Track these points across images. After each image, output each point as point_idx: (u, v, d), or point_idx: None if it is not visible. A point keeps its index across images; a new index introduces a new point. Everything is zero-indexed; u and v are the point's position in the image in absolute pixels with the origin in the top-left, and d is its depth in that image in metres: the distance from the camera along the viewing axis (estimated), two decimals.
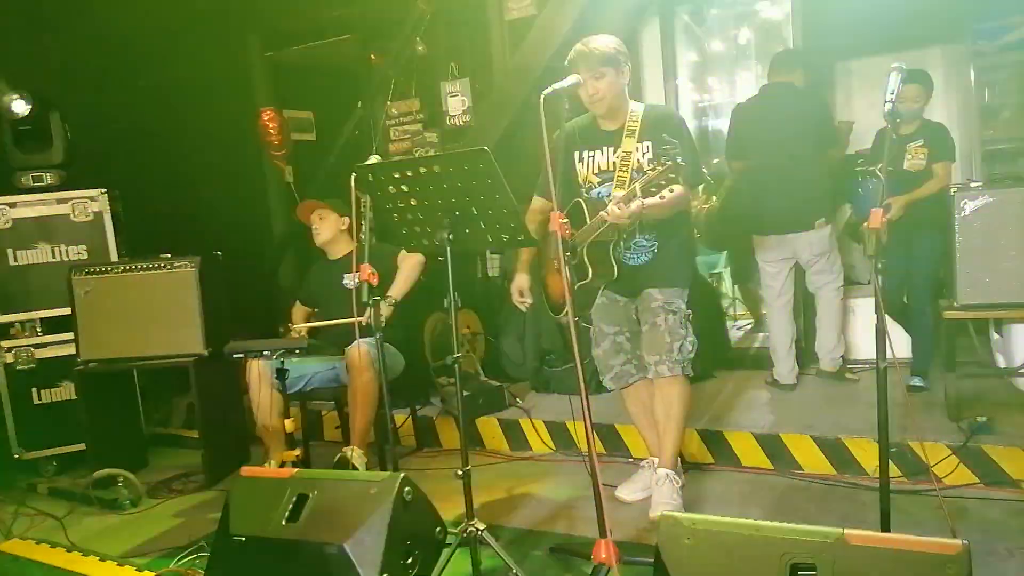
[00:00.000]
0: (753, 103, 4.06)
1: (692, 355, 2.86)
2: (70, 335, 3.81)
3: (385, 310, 3.31)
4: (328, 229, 3.69)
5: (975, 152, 5.46)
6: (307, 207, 3.75)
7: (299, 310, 3.89)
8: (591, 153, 2.84)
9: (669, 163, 2.37)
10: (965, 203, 3.11)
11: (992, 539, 2.52)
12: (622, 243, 2.79)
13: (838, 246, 3.99)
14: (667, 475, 2.89)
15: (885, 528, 2.12)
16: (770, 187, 3.84)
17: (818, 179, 3.83)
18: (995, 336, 3.82)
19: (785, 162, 3.78)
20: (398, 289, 3.51)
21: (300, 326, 3.62)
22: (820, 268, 3.91)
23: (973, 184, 3.20)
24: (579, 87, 2.61)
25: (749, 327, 5.47)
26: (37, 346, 3.98)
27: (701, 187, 4.07)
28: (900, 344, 4.26)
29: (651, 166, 2.50)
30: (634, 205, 2.47)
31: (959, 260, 3.14)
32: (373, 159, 2.75)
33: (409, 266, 3.58)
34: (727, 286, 5.94)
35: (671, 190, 2.43)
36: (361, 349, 3.30)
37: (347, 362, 3.38)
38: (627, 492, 3.12)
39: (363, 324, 3.23)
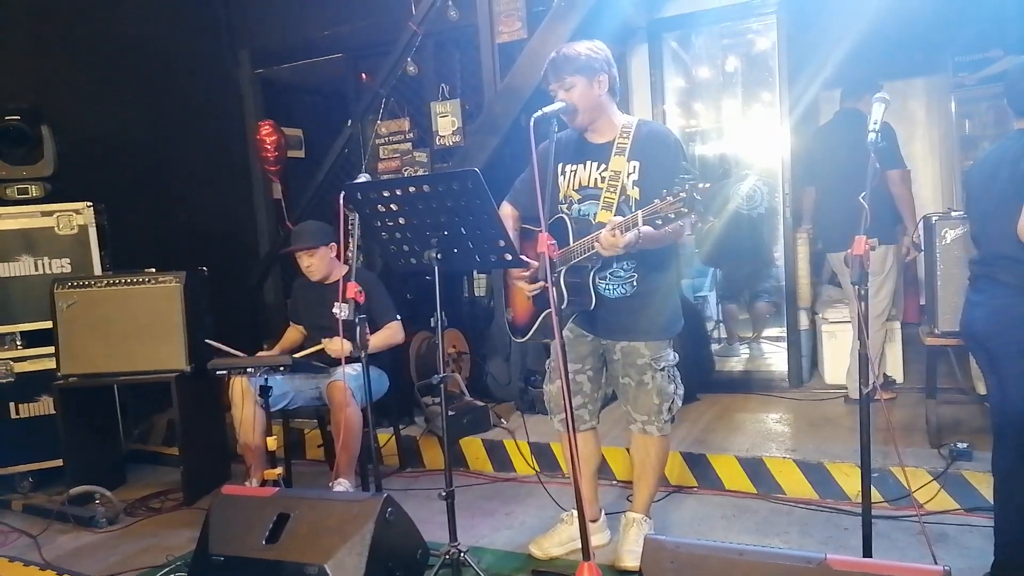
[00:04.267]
0: (822, 131, 4.36)
1: (679, 408, 2.69)
2: (50, 349, 3.77)
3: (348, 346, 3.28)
4: (320, 265, 3.60)
5: (956, 182, 5.56)
6: (294, 254, 3.63)
7: (293, 329, 3.85)
8: (573, 168, 2.62)
9: (684, 195, 2.07)
10: (946, 232, 3.16)
11: (972, 565, 2.53)
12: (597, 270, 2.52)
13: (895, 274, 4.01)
14: (639, 520, 2.72)
15: (867, 553, 2.12)
16: (833, 207, 4.01)
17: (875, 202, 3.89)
18: (975, 363, 3.86)
19: (846, 185, 3.76)
20: (375, 342, 3.46)
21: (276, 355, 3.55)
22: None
23: (954, 213, 3.25)
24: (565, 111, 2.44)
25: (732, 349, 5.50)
26: (17, 359, 3.92)
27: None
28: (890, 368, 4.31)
29: (664, 195, 2.13)
30: (630, 235, 2.21)
31: (940, 287, 3.18)
32: (362, 177, 2.77)
33: (392, 331, 3.58)
34: (712, 308, 5.99)
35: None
36: (340, 385, 3.24)
37: (327, 396, 3.34)
38: (545, 546, 2.81)
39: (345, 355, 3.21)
